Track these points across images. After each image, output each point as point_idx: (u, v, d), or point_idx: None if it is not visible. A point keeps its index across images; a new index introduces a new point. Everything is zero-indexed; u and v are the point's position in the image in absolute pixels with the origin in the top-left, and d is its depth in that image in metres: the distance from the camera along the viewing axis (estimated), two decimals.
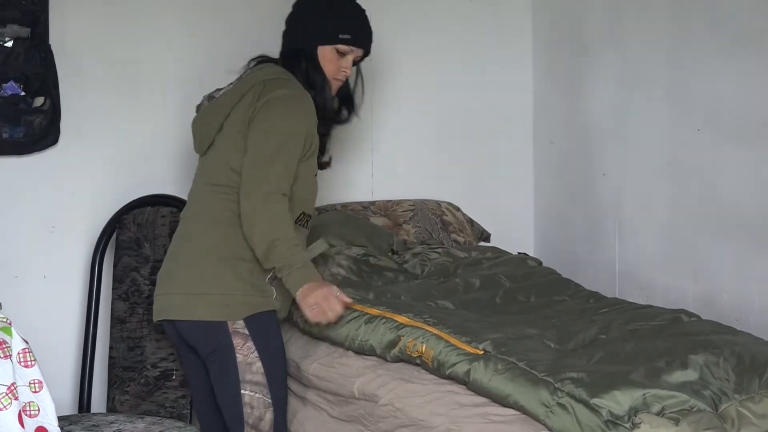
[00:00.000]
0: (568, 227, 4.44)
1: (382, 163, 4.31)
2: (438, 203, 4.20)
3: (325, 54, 3.26)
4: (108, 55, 3.82)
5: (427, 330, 3.01)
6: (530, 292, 3.55)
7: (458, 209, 4.23)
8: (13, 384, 2.54)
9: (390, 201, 4.11)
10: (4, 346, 2.56)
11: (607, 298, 3.57)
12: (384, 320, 3.13)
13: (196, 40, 3.95)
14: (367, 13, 3.35)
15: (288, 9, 3.36)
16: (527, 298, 3.51)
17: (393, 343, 3.06)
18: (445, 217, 4.12)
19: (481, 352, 2.84)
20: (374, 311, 3.19)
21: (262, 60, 3.33)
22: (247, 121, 3.12)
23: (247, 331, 3.10)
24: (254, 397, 3.12)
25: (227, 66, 3.95)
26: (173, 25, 3.92)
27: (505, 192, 4.56)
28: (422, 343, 2.97)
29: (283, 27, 3.35)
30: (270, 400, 3.14)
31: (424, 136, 4.39)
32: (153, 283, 3.59)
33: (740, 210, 3.55)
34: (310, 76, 3.24)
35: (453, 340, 2.92)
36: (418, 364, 2.99)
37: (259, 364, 3.11)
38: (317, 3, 3.31)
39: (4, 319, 2.66)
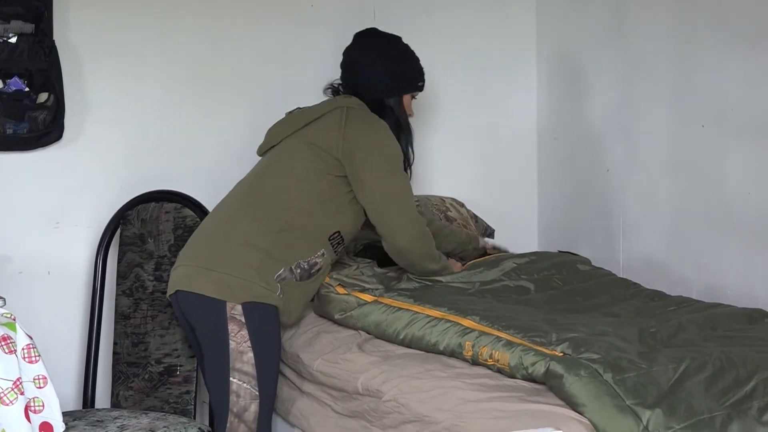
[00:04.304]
0: (571, 223, 4.44)
1: None
2: (442, 199, 4.19)
3: (405, 101, 3.54)
4: (111, 51, 3.82)
5: (497, 335, 2.94)
6: (590, 293, 3.52)
7: (462, 205, 4.23)
8: (18, 379, 2.55)
9: None
10: (8, 341, 2.57)
11: (672, 297, 3.53)
12: (449, 323, 3.09)
13: (201, 35, 3.95)
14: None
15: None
16: (587, 299, 3.47)
17: (461, 346, 3.00)
18: (449, 212, 4.11)
19: (560, 354, 2.78)
20: (436, 313, 3.16)
21: (339, 90, 3.53)
22: (331, 139, 3.30)
23: (243, 319, 3.13)
24: (242, 386, 3.14)
25: (234, 62, 3.99)
26: (178, 20, 3.92)
27: (509, 188, 4.57)
28: (495, 350, 2.89)
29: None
30: (257, 392, 3.16)
31: (429, 132, 4.38)
32: (157, 279, 3.61)
33: (745, 206, 3.55)
34: (401, 122, 3.48)
35: (526, 343, 2.86)
36: (496, 371, 2.90)
37: (250, 354, 3.13)
38: (394, 54, 3.52)
39: (9, 315, 2.67)
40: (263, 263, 3.18)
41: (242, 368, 3.14)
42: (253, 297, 3.15)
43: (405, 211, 3.38)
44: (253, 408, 3.16)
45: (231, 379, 3.14)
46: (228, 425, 3.17)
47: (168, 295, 3.31)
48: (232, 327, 3.12)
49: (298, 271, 3.25)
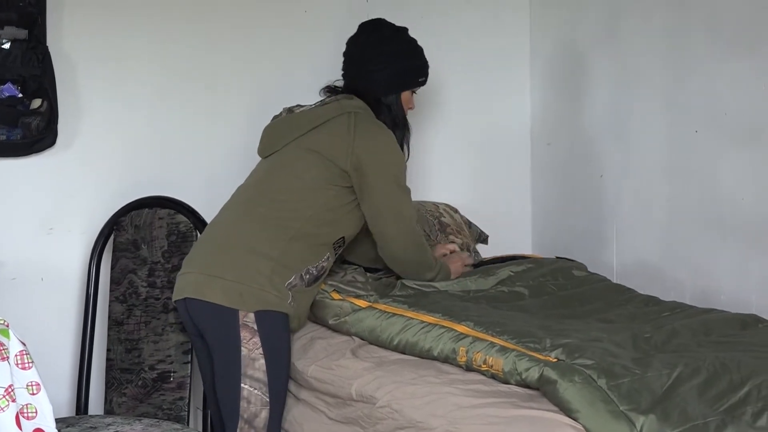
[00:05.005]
0: (565, 229, 4.44)
1: None
2: (436, 204, 4.19)
3: (405, 96, 3.52)
4: (105, 57, 3.82)
5: (491, 341, 2.94)
6: (584, 298, 3.51)
7: (456, 211, 4.23)
8: (10, 386, 2.53)
9: None
10: (1, 348, 2.56)
11: (666, 302, 3.52)
12: (443, 329, 3.08)
13: (195, 41, 3.95)
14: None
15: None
16: (581, 304, 3.46)
17: (455, 352, 3.00)
18: (442, 218, 4.11)
19: (554, 360, 2.77)
20: (430, 319, 3.15)
21: (336, 90, 3.49)
22: (339, 150, 3.27)
23: (256, 326, 3.12)
24: (253, 392, 3.14)
25: (228, 68, 3.99)
26: (170, 25, 3.92)
27: (502, 194, 4.57)
28: (489, 356, 2.89)
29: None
30: (268, 399, 3.15)
31: (422, 137, 4.38)
32: (150, 285, 3.60)
33: (738, 211, 3.56)
34: (397, 119, 3.47)
35: (520, 349, 2.85)
36: (490, 377, 2.89)
37: (262, 361, 3.13)
38: (394, 51, 3.48)
39: (2, 321, 2.66)
40: (274, 271, 3.18)
41: (254, 375, 3.13)
42: (265, 305, 3.15)
43: (403, 222, 3.40)
44: (264, 414, 3.16)
45: (242, 385, 3.13)
46: (238, 431, 3.17)
47: (174, 300, 3.30)
48: (244, 334, 3.12)
49: (308, 277, 3.25)
